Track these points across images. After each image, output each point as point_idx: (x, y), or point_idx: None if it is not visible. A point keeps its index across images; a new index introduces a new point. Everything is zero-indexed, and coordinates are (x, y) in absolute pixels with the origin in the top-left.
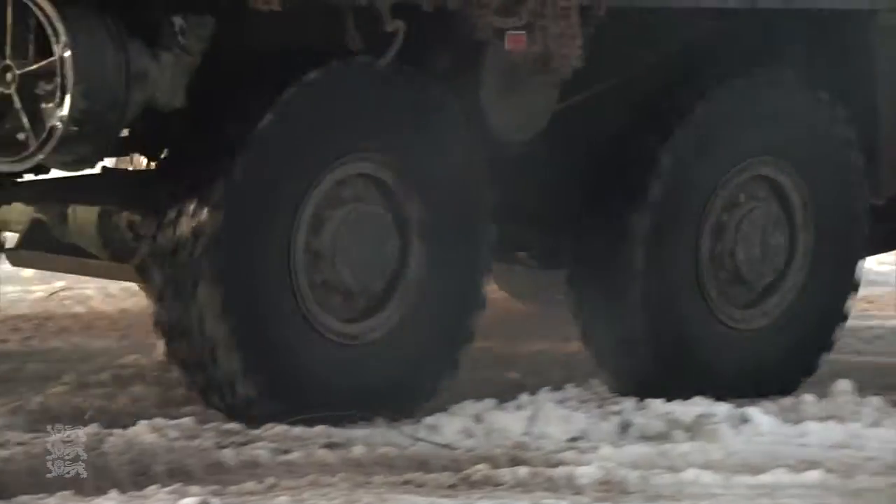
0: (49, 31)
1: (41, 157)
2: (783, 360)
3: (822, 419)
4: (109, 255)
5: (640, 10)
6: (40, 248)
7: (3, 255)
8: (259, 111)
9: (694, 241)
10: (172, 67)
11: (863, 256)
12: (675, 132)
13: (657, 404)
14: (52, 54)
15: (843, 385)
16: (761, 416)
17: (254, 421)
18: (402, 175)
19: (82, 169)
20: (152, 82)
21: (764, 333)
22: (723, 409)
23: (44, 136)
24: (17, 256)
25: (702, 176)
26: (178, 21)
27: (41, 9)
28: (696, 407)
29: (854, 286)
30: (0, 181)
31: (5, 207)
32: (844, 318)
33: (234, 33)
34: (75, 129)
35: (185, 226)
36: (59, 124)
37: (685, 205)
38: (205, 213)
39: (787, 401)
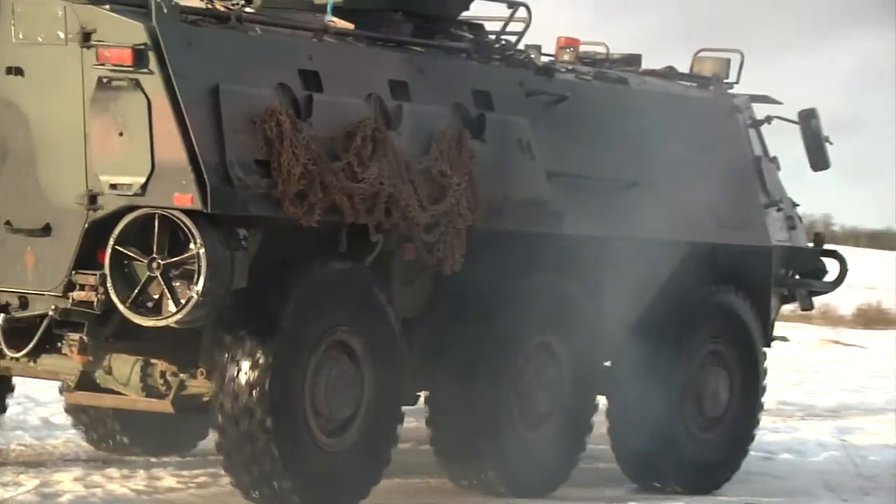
0: (189, 234)
1: (179, 317)
2: None
3: None
4: (146, 395)
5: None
6: (90, 390)
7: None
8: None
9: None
10: (242, 261)
11: None
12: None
13: None
14: (185, 250)
15: None
16: None
17: None
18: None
19: (196, 326)
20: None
21: None
22: None
23: (182, 303)
24: (75, 396)
25: None
26: (242, 231)
27: (182, 221)
28: None
29: None
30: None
31: (58, 362)
32: None
33: (274, 241)
34: (201, 299)
35: (243, 381)
36: (194, 295)
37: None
38: (257, 373)
39: None
